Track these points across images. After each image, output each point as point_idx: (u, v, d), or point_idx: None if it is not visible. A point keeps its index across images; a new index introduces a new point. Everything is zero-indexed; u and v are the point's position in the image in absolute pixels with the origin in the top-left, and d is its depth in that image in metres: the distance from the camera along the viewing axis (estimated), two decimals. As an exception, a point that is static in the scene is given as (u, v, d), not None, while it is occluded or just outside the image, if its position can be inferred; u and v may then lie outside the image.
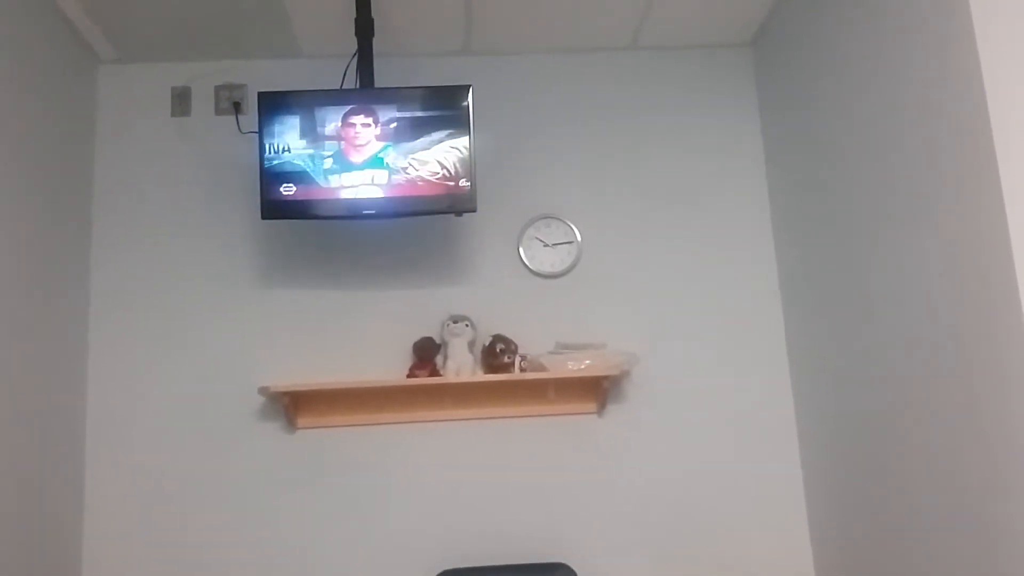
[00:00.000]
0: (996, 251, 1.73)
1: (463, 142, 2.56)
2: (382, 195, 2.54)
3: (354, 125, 2.55)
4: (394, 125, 2.55)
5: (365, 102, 2.58)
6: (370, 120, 2.55)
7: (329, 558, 2.71)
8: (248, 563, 2.69)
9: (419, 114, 2.57)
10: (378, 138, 2.55)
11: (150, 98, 2.95)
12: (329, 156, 2.54)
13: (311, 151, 2.54)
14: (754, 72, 3.06)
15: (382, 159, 2.54)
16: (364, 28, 2.68)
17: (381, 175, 2.54)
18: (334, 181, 2.54)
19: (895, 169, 2.13)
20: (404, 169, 2.54)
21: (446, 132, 2.56)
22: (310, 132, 2.55)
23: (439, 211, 2.58)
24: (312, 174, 2.53)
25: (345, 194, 2.54)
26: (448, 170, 2.55)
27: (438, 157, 2.56)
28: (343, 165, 2.54)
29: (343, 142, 2.55)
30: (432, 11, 2.75)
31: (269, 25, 2.78)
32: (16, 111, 2.40)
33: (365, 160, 2.54)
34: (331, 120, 2.55)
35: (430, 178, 2.55)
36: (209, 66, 2.96)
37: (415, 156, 2.55)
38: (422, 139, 2.56)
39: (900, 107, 2.09)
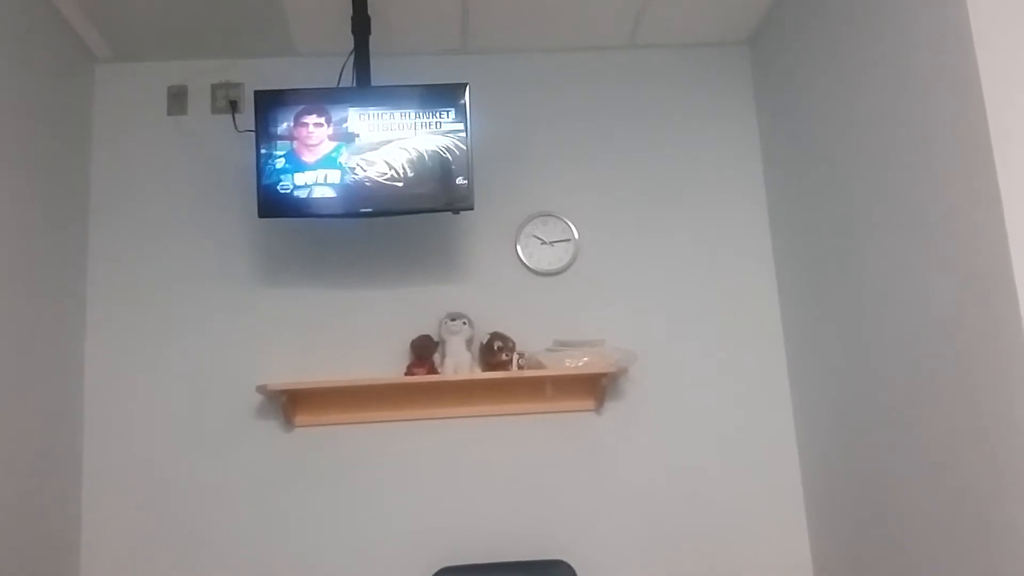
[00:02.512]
0: (993, 250, 1.74)
1: (460, 140, 2.57)
2: (378, 193, 2.54)
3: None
4: (388, 124, 2.56)
5: (361, 100, 2.58)
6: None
7: (327, 556, 2.71)
8: (246, 561, 2.69)
9: (416, 112, 2.57)
10: (373, 136, 2.55)
11: (146, 97, 2.94)
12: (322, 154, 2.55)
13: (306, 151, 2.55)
14: (751, 71, 3.06)
15: (378, 157, 2.55)
16: (361, 26, 2.68)
17: (375, 173, 2.54)
18: (329, 179, 2.54)
19: (892, 168, 2.13)
20: (401, 167, 2.55)
21: (443, 130, 2.56)
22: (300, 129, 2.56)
23: (437, 209, 2.58)
24: (306, 172, 2.54)
25: (342, 192, 2.54)
26: (445, 167, 2.56)
27: (436, 155, 2.56)
28: (336, 164, 2.54)
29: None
30: (429, 9, 2.75)
31: (266, 24, 2.78)
32: (12, 110, 2.40)
33: (361, 158, 2.55)
34: (321, 118, 2.55)
35: (427, 176, 2.55)
36: (205, 65, 2.96)
37: (412, 155, 2.55)
38: (419, 137, 2.56)
39: (897, 106, 2.10)
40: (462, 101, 2.59)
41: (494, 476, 2.78)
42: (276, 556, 2.70)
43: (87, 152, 2.89)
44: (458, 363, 2.71)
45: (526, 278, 2.90)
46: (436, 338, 2.76)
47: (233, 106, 2.91)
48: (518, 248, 2.91)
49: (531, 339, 2.79)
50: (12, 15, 2.40)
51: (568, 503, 2.77)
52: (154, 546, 2.68)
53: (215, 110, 2.94)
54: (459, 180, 2.56)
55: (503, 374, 2.69)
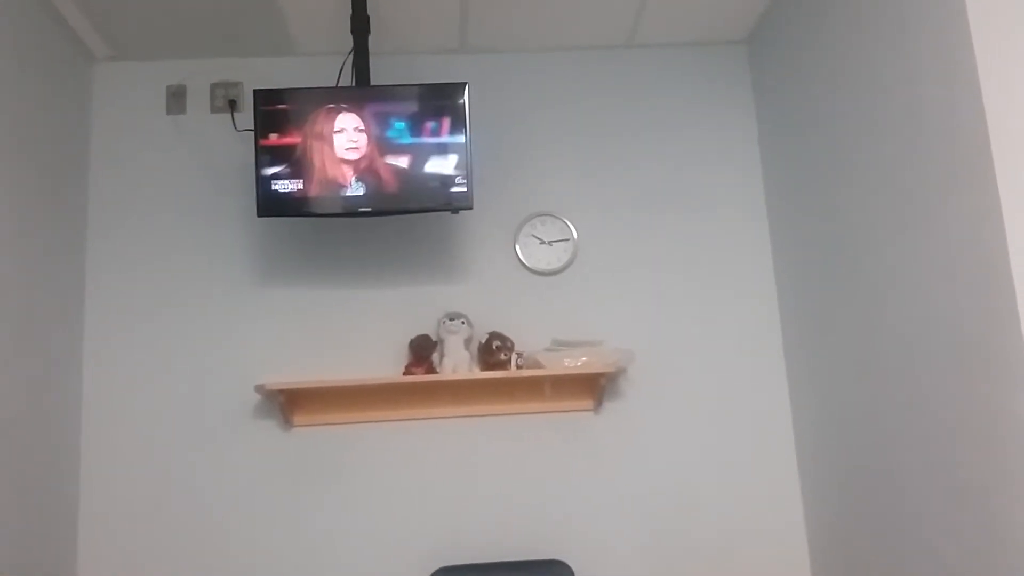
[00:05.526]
0: (993, 252, 1.73)
1: (459, 140, 2.57)
2: (377, 193, 2.54)
3: (344, 129, 2.55)
4: (387, 123, 2.56)
5: (360, 100, 2.58)
6: (361, 122, 2.56)
7: (326, 555, 2.70)
8: (244, 561, 2.69)
9: (415, 111, 2.57)
10: (372, 136, 2.55)
11: (145, 96, 2.94)
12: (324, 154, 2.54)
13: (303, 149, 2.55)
14: (750, 69, 3.06)
15: (377, 156, 2.55)
16: (360, 26, 2.68)
17: (375, 173, 2.54)
18: (328, 179, 2.54)
19: (892, 167, 2.13)
20: (400, 167, 2.55)
21: (442, 129, 2.56)
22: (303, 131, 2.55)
23: (436, 209, 2.58)
24: (305, 171, 2.54)
25: (341, 191, 2.54)
26: (444, 167, 2.56)
27: (435, 154, 2.56)
28: (335, 163, 2.54)
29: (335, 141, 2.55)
30: (428, 8, 2.75)
31: (265, 23, 2.78)
32: (10, 110, 2.40)
33: (360, 158, 2.55)
34: (324, 121, 2.55)
35: (426, 175, 2.55)
36: (205, 64, 2.96)
37: (411, 154, 2.55)
38: (418, 137, 2.56)
39: (897, 105, 2.09)
40: (461, 100, 2.59)
41: (492, 476, 2.77)
42: (274, 556, 2.70)
43: (86, 151, 2.89)
44: (457, 363, 2.71)
45: (525, 278, 2.90)
46: (435, 338, 2.76)
47: (232, 105, 2.91)
48: (517, 248, 2.91)
49: (530, 339, 2.79)
50: (10, 14, 2.40)
51: (566, 503, 2.76)
52: (151, 546, 2.68)
53: (214, 109, 2.94)
54: (458, 179, 2.56)
55: (502, 374, 2.69)
